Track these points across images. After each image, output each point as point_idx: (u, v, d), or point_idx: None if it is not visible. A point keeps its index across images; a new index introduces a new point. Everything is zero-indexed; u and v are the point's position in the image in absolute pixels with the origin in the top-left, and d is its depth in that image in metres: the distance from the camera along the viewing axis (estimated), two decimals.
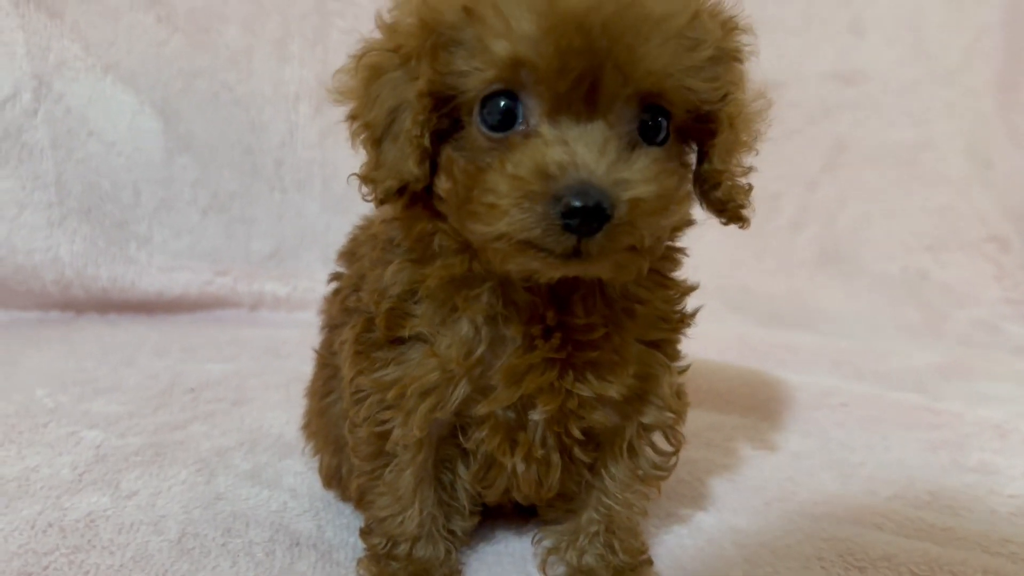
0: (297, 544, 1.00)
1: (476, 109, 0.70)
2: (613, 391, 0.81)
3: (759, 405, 1.43)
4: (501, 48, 0.66)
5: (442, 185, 0.73)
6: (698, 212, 0.81)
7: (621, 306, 0.82)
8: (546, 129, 0.68)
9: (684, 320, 0.88)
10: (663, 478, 0.95)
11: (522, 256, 0.68)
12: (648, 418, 0.88)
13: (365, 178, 0.75)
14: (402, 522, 0.93)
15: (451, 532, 0.96)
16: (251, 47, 1.89)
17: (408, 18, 0.72)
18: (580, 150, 0.66)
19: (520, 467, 0.86)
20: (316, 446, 1.09)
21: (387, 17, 0.75)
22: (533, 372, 0.79)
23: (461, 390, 0.81)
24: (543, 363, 0.79)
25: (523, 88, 0.68)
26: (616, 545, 0.94)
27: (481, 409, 0.82)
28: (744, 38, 0.77)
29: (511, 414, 0.83)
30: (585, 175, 0.65)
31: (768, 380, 1.50)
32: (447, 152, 0.73)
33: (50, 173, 1.72)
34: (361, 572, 0.95)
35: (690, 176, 0.77)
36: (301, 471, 1.15)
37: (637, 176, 0.67)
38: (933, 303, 2.14)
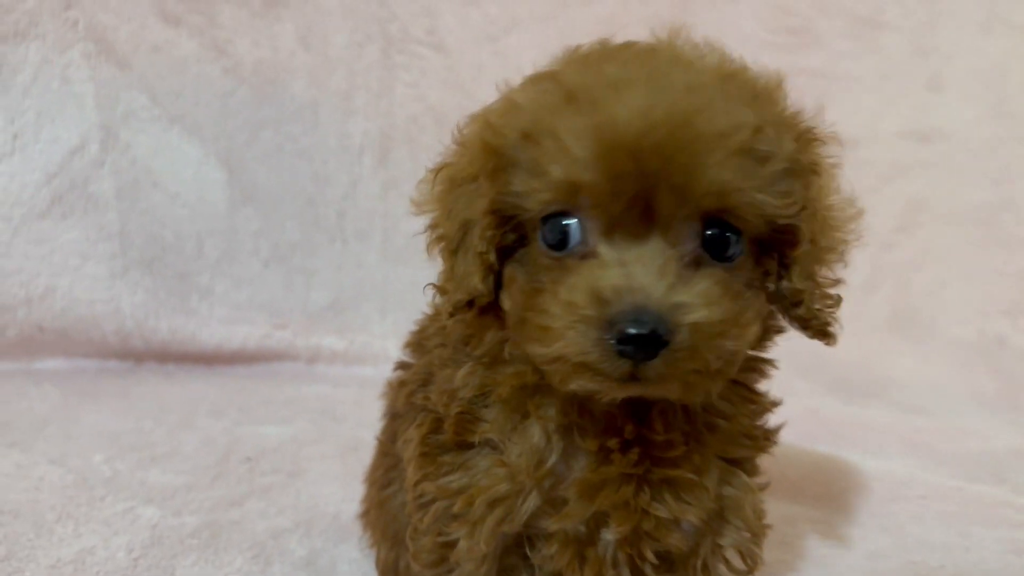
0: None
1: (538, 227, 0.70)
2: (692, 514, 0.77)
3: (834, 495, 1.36)
4: (556, 171, 0.66)
5: (504, 302, 0.73)
6: None
7: (703, 420, 0.78)
8: (603, 249, 0.66)
9: (768, 436, 0.85)
10: None
11: (580, 377, 0.66)
12: (727, 540, 0.83)
13: (440, 288, 0.76)
14: None
15: None
16: (316, 100, 1.89)
17: (474, 136, 0.74)
18: (637, 272, 0.64)
19: None
20: (373, 537, 1.06)
21: (460, 134, 0.77)
22: (608, 488, 0.75)
23: (531, 502, 0.78)
24: (619, 478, 0.75)
25: (580, 209, 0.67)
26: None
27: (552, 525, 0.78)
28: (825, 149, 0.75)
29: (582, 530, 0.79)
30: (641, 300, 0.63)
31: (843, 467, 1.43)
32: (509, 269, 0.73)
33: (114, 224, 1.72)
34: None
35: (763, 294, 0.73)
36: (356, 558, 1.10)
37: (698, 299, 0.64)
38: (1010, 370, 2.05)
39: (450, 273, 0.75)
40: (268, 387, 1.70)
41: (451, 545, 0.82)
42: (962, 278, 2.13)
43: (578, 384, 0.67)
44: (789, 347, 2.08)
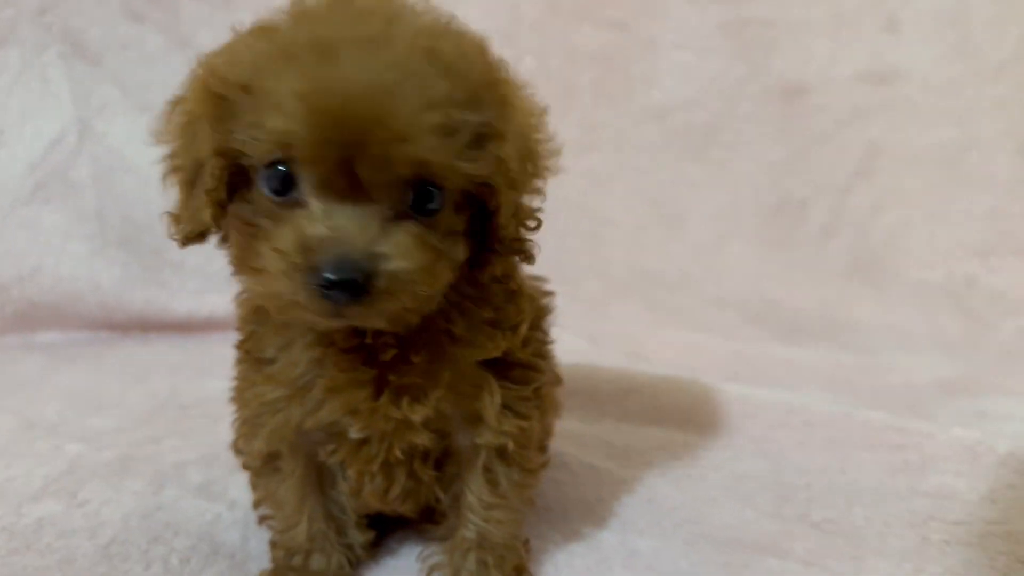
0: (216, 553, 1.08)
1: (260, 173, 0.76)
2: (418, 415, 0.86)
3: (720, 424, 1.41)
4: (272, 125, 0.71)
5: (230, 239, 0.80)
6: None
7: (438, 332, 0.87)
8: (313, 202, 0.73)
9: (525, 339, 0.93)
10: (526, 497, 0.99)
11: (293, 311, 0.75)
12: (481, 439, 0.92)
13: (174, 217, 0.82)
14: (293, 535, 1.01)
15: (348, 545, 1.03)
16: None
17: (199, 80, 0.78)
18: (341, 224, 0.72)
19: (367, 481, 0.93)
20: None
21: (193, 73, 0.81)
22: (347, 391, 0.86)
23: (297, 407, 0.89)
24: (357, 383, 0.85)
25: (295, 163, 0.73)
26: (490, 561, 0.98)
27: (307, 424, 0.89)
28: (518, 94, 0.80)
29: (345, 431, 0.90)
30: (343, 250, 0.71)
31: (737, 398, 1.48)
32: (235, 206, 0.78)
33: (92, 207, 1.90)
34: None
35: (461, 241, 0.80)
36: (247, 485, 1.23)
37: (395, 250, 0.72)
38: (979, 312, 2.03)
39: (184, 204, 0.80)
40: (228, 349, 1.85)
41: (263, 454, 0.96)
42: (927, 220, 2.11)
43: (293, 316, 0.76)
44: (744, 297, 2.12)
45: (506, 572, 0.99)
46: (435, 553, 1.02)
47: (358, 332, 0.84)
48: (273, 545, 1.04)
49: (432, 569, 1.01)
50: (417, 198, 0.75)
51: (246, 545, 1.10)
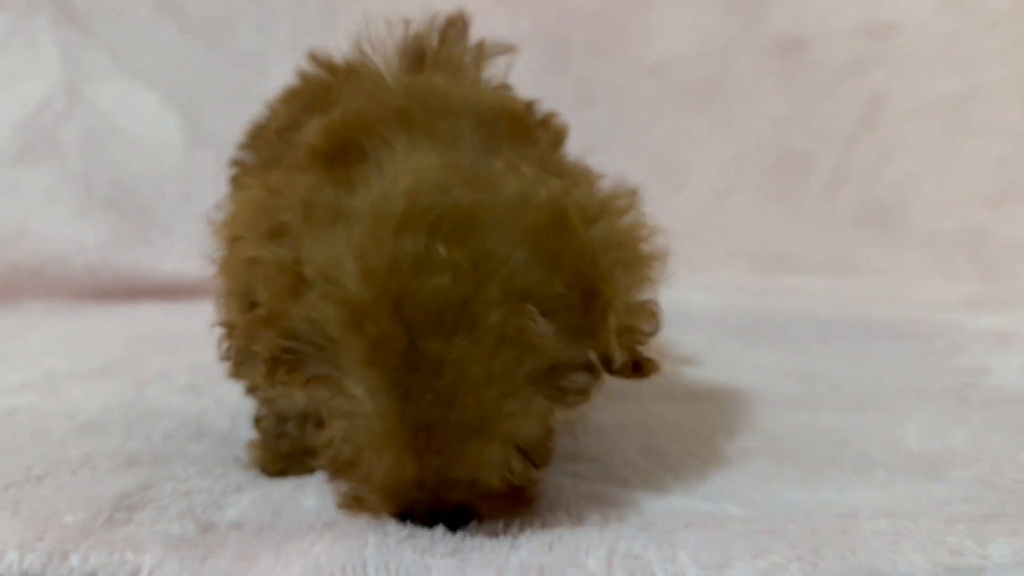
0: (202, 435, 1.01)
1: None
2: None
3: (735, 323, 1.35)
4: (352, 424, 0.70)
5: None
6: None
7: None
8: None
9: None
10: None
11: None
12: None
13: (229, 331, 0.78)
14: (292, 396, 0.93)
15: None
16: (265, 49, 2.00)
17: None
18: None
19: None
20: None
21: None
22: None
23: None
24: None
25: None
26: None
27: None
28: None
29: None
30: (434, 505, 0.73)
31: (750, 304, 1.41)
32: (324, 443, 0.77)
33: (79, 169, 1.86)
34: (248, 451, 0.96)
35: None
36: (238, 389, 1.15)
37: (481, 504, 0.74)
38: (994, 261, 1.97)
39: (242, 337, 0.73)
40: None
41: None
42: (935, 171, 2.07)
43: None
44: (751, 248, 2.05)
45: None
46: None
47: None
48: (258, 420, 0.97)
49: None
50: None
51: (235, 431, 1.03)
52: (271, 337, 0.69)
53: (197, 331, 1.47)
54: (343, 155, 0.77)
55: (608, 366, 0.71)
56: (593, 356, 0.70)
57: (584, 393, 0.71)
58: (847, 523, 0.72)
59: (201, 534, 0.74)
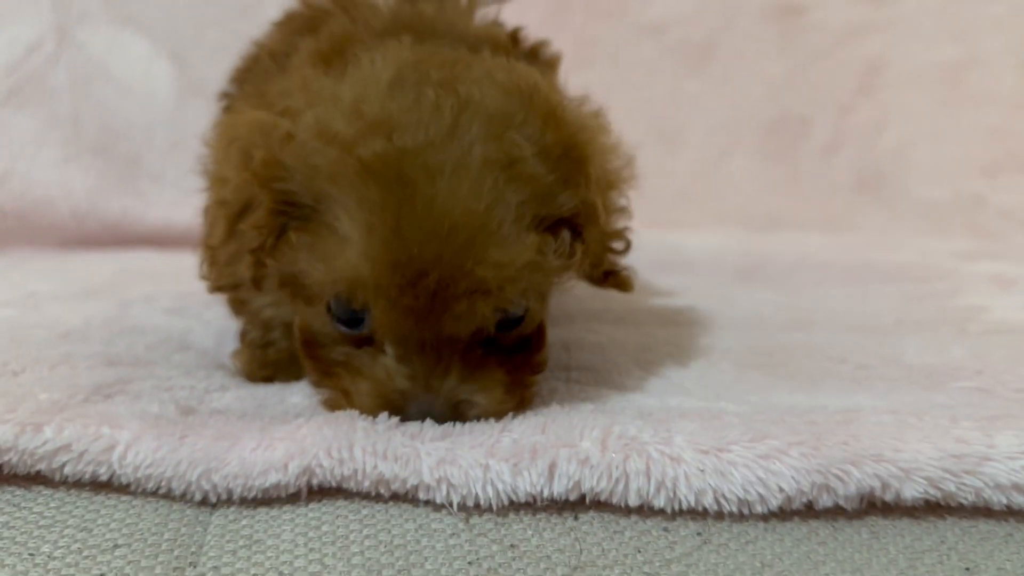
0: (186, 349, 0.98)
1: (323, 299, 0.72)
2: None
3: (730, 268, 1.33)
4: (340, 263, 0.67)
5: (295, 329, 0.80)
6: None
7: None
8: (390, 350, 0.72)
9: None
10: None
11: None
12: None
13: (211, 254, 0.77)
14: (277, 305, 0.91)
15: None
16: None
17: (260, 156, 0.70)
18: (422, 376, 0.71)
19: None
20: None
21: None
22: None
23: None
24: None
25: (368, 301, 0.69)
26: None
27: None
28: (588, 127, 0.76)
29: None
30: (426, 405, 0.71)
31: (747, 247, 1.39)
32: (298, 317, 0.78)
33: (68, 113, 1.82)
34: (234, 359, 0.94)
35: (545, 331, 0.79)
36: (223, 313, 1.12)
37: (481, 396, 0.72)
38: (990, 229, 1.96)
39: (223, 243, 0.74)
40: None
41: None
42: (931, 138, 2.05)
43: None
44: (747, 211, 2.04)
45: None
46: None
47: None
48: (244, 333, 0.95)
49: None
50: (500, 323, 0.72)
51: (220, 347, 1.01)
52: (263, 194, 0.69)
53: (183, 268, 1.46)
54: (335, 57, 0.81)
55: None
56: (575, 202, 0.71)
57: (569, 255, 0.70)
58: (849, 415, 0.71)
59: (182, 416, 0.72)
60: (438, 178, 0.64)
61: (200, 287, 1.08)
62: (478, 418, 0.72)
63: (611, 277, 0.79)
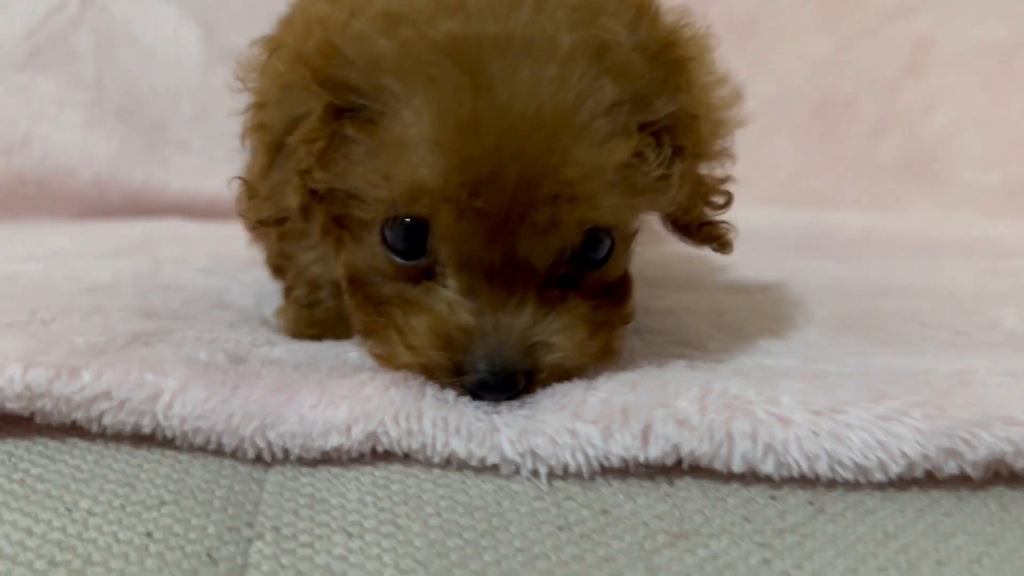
0: (223, 307, 0.92)
1: (378, 225, 0.62)
2: None
3: (805, 245, 1.25)
4: (402, 172, 0.57)
5: (340, 276, 0.69)
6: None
7: None
8: (452, 282, 0.61)
9: None
10: None
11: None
12: None
13: (248, 187, 0.67)
14: (324, 261, 0.85)
15: None
16: None
17: (313, 60, 0.62)
18: (489, 311, 0.60)
19: None
20: None
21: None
22: None
23: None
24: None
25: (430, 220, 0.59)
26: None
27: None
28: (691, 45, 0.67)
29: None
30: (494, 346, 0.59)
31: (805, 223, 1.32)
32: (347, 255, 0.67)
33: (91, 76, 1.75)
34: (278, 316, 0.88)
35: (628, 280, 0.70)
36: (262, 275, 1.06)
37: (557, 338, 0.61)
38: None
39: (264, 174, 0.65)
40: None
41: None
42: (979, 122, 1.97)
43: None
44: (787, 190, 1.96)
45: None
46: None
47: None
48: (289, 290, 0.88)
49: None
50: (583, 250, 0.63)
51: (259, 308, 0.94)
52: (316, 95, 0.60)
53: (215, 234, 1.40)
54: None
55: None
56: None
57: (664, 174, 0.61)
58: (964, 377, 0.64)
59: (232, 364, 0.65)
60: (521, 63, 0.56)
61: (236, 250, 1.03)
62: (555, 366, 0.62)
63: (707, 229, 0.70)
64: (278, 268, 0.92)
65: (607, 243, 0.64)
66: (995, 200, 1.92)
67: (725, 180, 0.73)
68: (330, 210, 0.65)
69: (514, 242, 0.58)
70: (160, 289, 0.93)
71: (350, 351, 0.74)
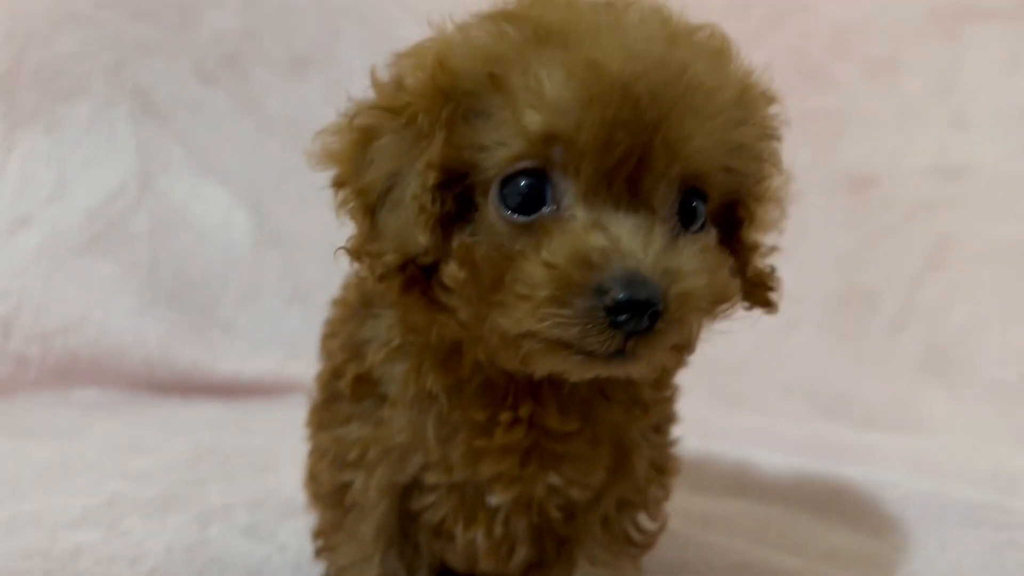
0: None
1: (495, 189, 0.63)
2: (586, 484, 0.78)
3: (804, 496, 1.30)
4: (533, 120, 0.59)
5: (454, 274, 0.63)
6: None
7: (599, 392, 0.75)
8: (582, 213, 0.61)
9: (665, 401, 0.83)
10: (638, 555, 0.88)
11: (552, 356, 0.61)
12: (623, 491, 0.82)
13: (356, 252, 0.66)
14: (362, 569, 0.91)
15: None
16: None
17: (419, 76, 0.64)
18: (624, 236, 0.59)
19: (481, 541, 0.82)
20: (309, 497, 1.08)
21: (384, 73, 0.69)
22: (490, 458, 0.74)
23: (420, 457, 0.78)
24: (501, 450, 0.73)
25: (554, 166, 0.61)
26: None
27: (430, 478, 0.79)
28: (776, 111, 0.72)
29: (469, 491, 0.79)
30: (632, 264, 0.58)
31: (823, 473, 1.37)
32: (460, 238, 0.63)
33: (146, 260, 1.87)
34: None
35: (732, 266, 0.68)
36: (299, 530, 1.12)
37: (688, 266, 0.60)
38: None
39: (370, 233, 0.65)
40: (275, 409, 1.77)
41: (347, 487, 0.83)
42: (999, 318, 2.02)
43: (547, 364, 0.63)
44: (811, 387, 2.02)
45: None
46: None
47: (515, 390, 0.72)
48: None
49: None
50: (684, 210, 0.64)
51: None
52: (435, 112, 0.62)
53: (255, 448, 1.48)
54: None
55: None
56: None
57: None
58: None
59: None
60: (637, 27, 0.62)
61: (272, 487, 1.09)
62: (687, 299, 0.59)
63: (754, 274, 0.72)
64: (321, 550, 0.95)
65: (701, 215, 0.65)
66: (1013, 397, 1.96)
67: (772, 249, 0.75)
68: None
69: (639, 180, 0.60)
70: (206, 567, 0.99)
71: None
